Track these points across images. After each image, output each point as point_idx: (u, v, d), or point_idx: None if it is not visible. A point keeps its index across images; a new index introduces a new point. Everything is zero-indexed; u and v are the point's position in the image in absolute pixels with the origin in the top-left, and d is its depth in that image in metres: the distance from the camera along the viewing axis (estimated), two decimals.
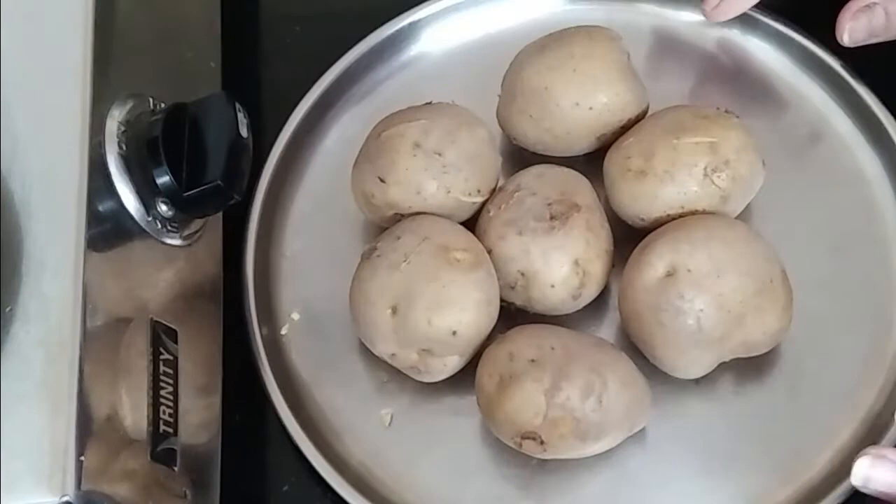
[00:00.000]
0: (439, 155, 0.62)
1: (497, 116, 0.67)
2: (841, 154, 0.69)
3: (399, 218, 0.63)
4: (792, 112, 0.70)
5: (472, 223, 0.64)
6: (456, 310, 0.58)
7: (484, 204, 0.63)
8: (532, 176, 0.63)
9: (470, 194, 0.63)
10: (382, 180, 0.62)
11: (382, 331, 0.59)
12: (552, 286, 0.61)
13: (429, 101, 0.65)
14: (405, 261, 0.59)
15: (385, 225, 0.63)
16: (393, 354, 0.60)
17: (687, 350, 0.59)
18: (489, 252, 0.61)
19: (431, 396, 0.63)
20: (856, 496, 0.56)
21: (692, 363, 0.60)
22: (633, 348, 0.61)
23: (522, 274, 0.61)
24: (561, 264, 0.60)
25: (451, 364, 0.60)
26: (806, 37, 0.70)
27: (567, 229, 0.60)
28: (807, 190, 0.68)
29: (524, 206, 0.61)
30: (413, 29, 0.73)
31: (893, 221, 0.66)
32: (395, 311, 0.59)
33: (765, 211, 0.65)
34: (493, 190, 0.64)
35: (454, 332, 0.58)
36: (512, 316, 0.62)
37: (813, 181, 0.68)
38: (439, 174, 0.62)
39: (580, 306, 0.62)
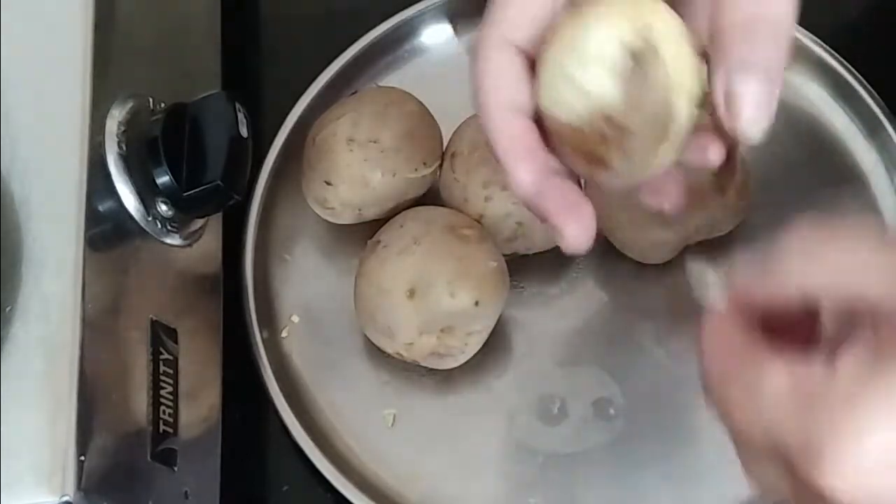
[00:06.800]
0: (375, 142, 0.63)
1: None
2: (840, 153, 0.69)
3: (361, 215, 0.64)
4: (791, 111, 0.70)
5: (433, 195, 0.64)
6: (476, 280, 0.59)
7: (439, 171, 0.64)
8: (476, 130, 0.63)
9: (417, 169, 0.63)
10: (329, 183, 0.63)
11: (401, 317, 0.59)
12: None
13: (417, 98, 0.65)
14: (416, 244, 0.59)
15: (352, 223, 0.64)
16: (410, 344, 0.60)
17: (650, 229, 0.60)
18: (480, 217, 0.62)
19: (434, 396, 0.63)
20: None
21: (657, 245, 0.62)
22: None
23: (520, 224, 0.62)
24: None
25: (471, 343, 0.61)
26: (805, 36, 0.70)
27: None
28: (806, 189, 0.68)
29: (491, 162, 0.62)
30: (411, 27, 0.73)
31: (893, 220, 0.66)
32: (412, 294, 0.59)
33: (764, 210, 0.65)
34: (441, 156, 0.64)
35: (477, 303, 0.59)
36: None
37: (812, 180, 0.68)
38: (381, 161, 0.63)
39: None
